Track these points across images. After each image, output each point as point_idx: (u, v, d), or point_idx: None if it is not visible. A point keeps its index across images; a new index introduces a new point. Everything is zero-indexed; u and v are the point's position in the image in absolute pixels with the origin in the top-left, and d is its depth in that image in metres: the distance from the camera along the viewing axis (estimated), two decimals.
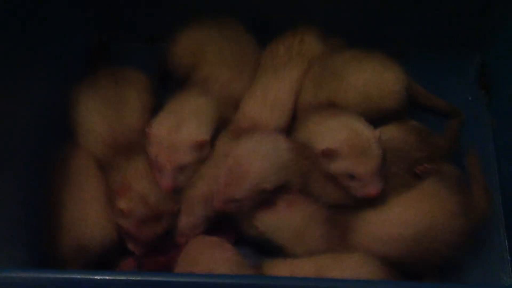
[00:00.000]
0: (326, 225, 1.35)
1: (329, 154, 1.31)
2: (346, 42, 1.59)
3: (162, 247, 1.42)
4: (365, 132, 1.33)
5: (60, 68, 1.54)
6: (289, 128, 1.50)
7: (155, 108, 1.49)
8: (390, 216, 1.33)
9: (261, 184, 1.32)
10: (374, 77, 1.47)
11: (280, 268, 1.29)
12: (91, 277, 1.02)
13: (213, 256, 1.30)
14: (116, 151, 1.42)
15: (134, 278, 1.03)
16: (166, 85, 1.63)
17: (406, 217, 1.32)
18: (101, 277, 1.01)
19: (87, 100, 1.47)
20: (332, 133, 1.34)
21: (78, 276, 1.03)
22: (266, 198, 1.34)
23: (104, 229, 1.36)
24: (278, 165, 1.34)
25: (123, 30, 1.75)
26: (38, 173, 1.38)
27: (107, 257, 1.39)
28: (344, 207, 1.37)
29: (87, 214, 1.35)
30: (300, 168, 1.36)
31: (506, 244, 1.49)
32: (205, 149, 1.40)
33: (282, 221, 1.35)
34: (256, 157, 1.33)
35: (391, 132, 1.42)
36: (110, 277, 1.02)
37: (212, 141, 1.42)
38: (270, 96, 1.49)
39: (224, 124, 1.48)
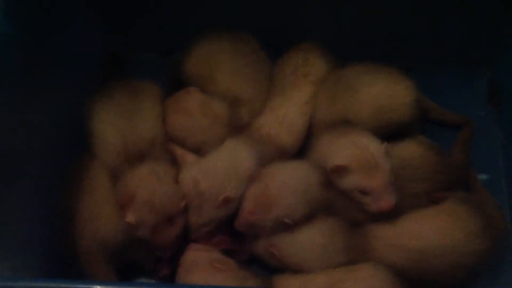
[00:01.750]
0: (347, 237, 1.35)
1: (339, 171, 1.33)
2: (343, 62, 1.60)
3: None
4: (372, 146, 1.35)
5: (76, 79, 1.54)
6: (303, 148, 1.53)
7: None
8: (402, 228, 1.33)
9: (287, 217, 1.33)
10: (386, 90, 1.49)
11: (291, 283, 1.29)
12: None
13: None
14: (126, 161, 1.43)
15: None
16: None
17: (416, 229, 1.32)
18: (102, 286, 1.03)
19: (101, 111, 1.48)
20: (340, 150, 1.36)
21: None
22: (287, 227, 1.35)
23: (117, 224, 1.36)
24: (307, 200, 1.35)
25: (137, 41, 1.75)
26: (54, 183, 1.39)
27: (140, 260, 1.42)
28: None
29: (100, 213, 1.37)
30: (327, 200, 1.38)
31: None
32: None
33: (301, 243, 1.34)
34: (287, 190, 1.34)
35: (411, 150, 1.43)
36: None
37: None
38: (279, 114, 1.52)
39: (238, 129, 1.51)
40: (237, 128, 1.51)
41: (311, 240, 1.34)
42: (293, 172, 1.37)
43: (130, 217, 1.32)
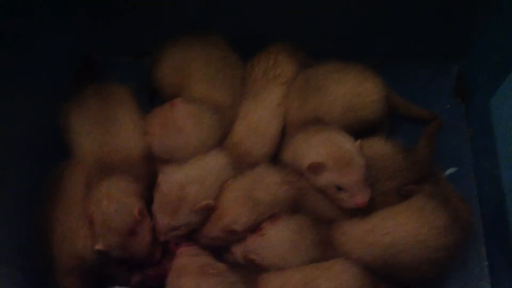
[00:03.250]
0: (315, 232, 1.38)
1: (316, 168, 1.35)
2: (315, 61, 1.62)
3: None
4: (347, 144, 1.37)
5: (48, 84, 1.54)
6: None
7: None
8: (371, 224, 1.36)
9: (235, 225, 1.36)
10: (355, 88, 1.51)
11: (271, 281, 1.31)
12: None
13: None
14: (99, 171, 1.42)
15: None
16: (154, 100, 1.64)
17: (384, 225, 1.35)
18: None
19: (76, 119, 1.47)
20: (316, 148, 1.38)
21: None
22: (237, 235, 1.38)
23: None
24: (259, 206, 1.38)
25: (109, 44, 1.75)
26: (31, 192, 1.40)
27: (113, 272, 1.44)
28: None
29: (79, 229, 1.37)
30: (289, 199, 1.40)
31: (484, 250, 1.55)
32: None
33: (274, 243, 1.36)
34: (235, 201, 1.37)
35: (379, 148, 1.46)
36: None
37: None
38: (252, 121, 1.52)
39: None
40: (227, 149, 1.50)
41: (282, 239, 1.36)
42: (245, 183, 1.40)
43: (99, 245, 1.33)
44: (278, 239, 1.36)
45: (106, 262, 1.39)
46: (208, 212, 1.38)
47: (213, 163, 1.42)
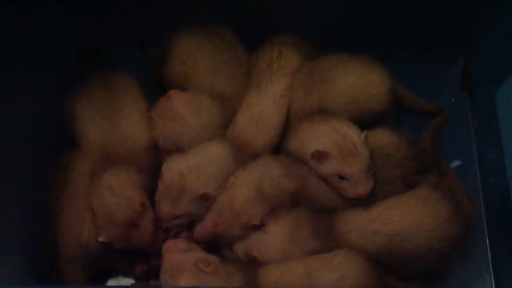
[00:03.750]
0: (314, 224, 1.38)
1: (319, 156, 1.36)
2: (320, 51, 1.61)
3: None
4: (352, 133, 1.38)
5: (52, 74, 1.54)
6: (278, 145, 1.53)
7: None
8: (375, 213, 1.36)
9: (253, 221, 1.38)
10: (360, 79, 1.50)
11: (272, 272, 1.31)
12: None
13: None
14: (103, 161, 1.43)
15: None
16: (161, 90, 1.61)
17: (388, 214, 1.35)
18: None
19: (81, 109, 1.47)
20: (321, 136, 1.39)
21: None
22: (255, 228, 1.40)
23: None
24: (270, 200, 1.40)
25: (113, 34, 1.74)
26: (37, 182, 1.41)
27: (116, 261, 1.45)
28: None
29: (84, 219, 1.38)
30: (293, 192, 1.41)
31: (487, 243, 1.55)
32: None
33: (273, 238, 1.38)
34: (251, 199, 1.39)
35: (383, 138, 1.46)
36: None
37: None
38: (255, 112, 1.51)
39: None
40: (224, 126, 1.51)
41: (282, 235, 1.37)
42: (254, 177, 1.40)
43: (101, 237, 1.35)
44: (279, 236, 1.38)
45: (110, 252, 1.40)
46: (207, 202, 1.40)
47: (215, 153, 1.43)
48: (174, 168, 1.40)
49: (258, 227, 1.38)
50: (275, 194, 1.40)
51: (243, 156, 1.46)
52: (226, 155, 1.44)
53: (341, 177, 1.36)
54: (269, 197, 1.39)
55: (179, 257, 1.33)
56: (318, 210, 1.41)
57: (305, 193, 1.41)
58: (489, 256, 1.53)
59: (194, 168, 1.40)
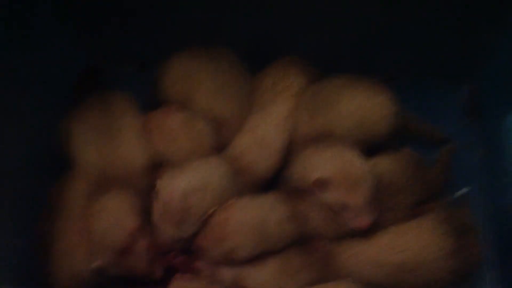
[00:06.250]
0: (302, 254, 1.35)
1: (321, 184, 1.32)
2: (324, 74, 1.59)
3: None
4: (358, 162, 1.34)
5: (51, 93, 1.52)
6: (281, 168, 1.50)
7: None
8: (382, 243, 1.34)
9: (234, 254, 1.32)
10: (366, 103, 1.48)
11: None
12: None
13: None
14: (100, 184, 1.40)
15: None
16: None
17: (395, 244, 1.33)
18: None
19: (77, 130, 1.45)
20: (325, 163, 1.35)
21: None
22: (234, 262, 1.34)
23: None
24: (263, 239, 1.33)
25: (113, 55, 1.73)
26: (31, 207, 1.37)
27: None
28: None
29: (78, 246, 1.34)
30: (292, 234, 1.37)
31: (499, 274, 1.51)
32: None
33: (264, 273, 1.33)
34: (243, 229, 1.33)
35: (388, 164, 1.43)
36: None
37: None
38: (257, 135, 1.49)
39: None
40: (219, 148, 1.49)
41: (270, 267, 1.34)
42: (257, 211, 1.35)
43: (95, 263, 1.30)
44: (268, 269, 1.33)
45: (105, 280, 1.35)
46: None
47: (214, 169, 1.39)
48: (174, 187, 1.33)
49: (235, 261, 1.33)
50: (277, 234, 1.34)
51: (242, 179, 1.43)
52: (225, 172, 1.40)
53: (343, 207, 1.32)
54: (269, 237, 1.33)
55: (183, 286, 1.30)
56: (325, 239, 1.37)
57: (305, 230, 1.37)
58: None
59: (197, 186, 1.34)
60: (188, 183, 1.34)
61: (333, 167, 1.33)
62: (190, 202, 1.32)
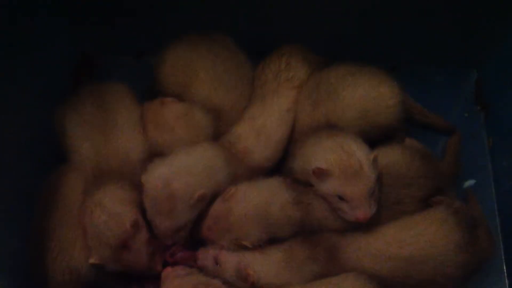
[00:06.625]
0: (307, 246, 1.33)
1: (320, 174, 1.29)
2: (329, 61, 1.56)
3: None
4: (359, 153, 1.30)
5: (46, 83, 1.49)
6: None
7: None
8: (390, 236, 1.31)
9: (244, 240, 1.31)
10: (370, 92, 1.44)
11: None
12: None
13: None
14: (96, 177, 1.37)
15: None
16: None
17: (403, 237, 1.30)
18: None
19: (72, 122, 1.42)
20: (325, 153, 1.32)
21: None
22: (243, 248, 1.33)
23: None
24: (269, 224, 1.33)
25: (109, 43, 1.69)
26: (26, 200, 1.34)
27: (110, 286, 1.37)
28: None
29: (75, 241, 1.31)
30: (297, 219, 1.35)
31: (504, 267, 1.49)
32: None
33: (271, 261, 1.32)
34: (248, 217, 1.32)
35: (394, 156, 1.39)
36: None
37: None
38: (257, 124, 1.46)
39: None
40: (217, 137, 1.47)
41: (276, 256, 1.32)
42: (259, 197, 1.33)
43: (92, 259, 1.28)
44: (274, 258, 1.32)
45: (102, 276, 1.32)
46: (204, 203, 1.33)
47: (200, 153, 1.37)
48: (155, 176, 1.31)
49: (248, 248, 1.31)
50: (281, 220, 1.32)
51: (238, 164, 1.41)
52: (216, 154, 1.37)
53: (341, 198, 1.28)
54: (274, 222, 1.32)
55: (179, 282, 1.27)
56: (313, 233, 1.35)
57: (308, 219, 1.34)
58: (507, 282, 1.47)
59: (180, 170, 1.32)
60: (168, 169, 1.32)
61: (333, 156, 1.30)
62: (173, 187, 1.29)
